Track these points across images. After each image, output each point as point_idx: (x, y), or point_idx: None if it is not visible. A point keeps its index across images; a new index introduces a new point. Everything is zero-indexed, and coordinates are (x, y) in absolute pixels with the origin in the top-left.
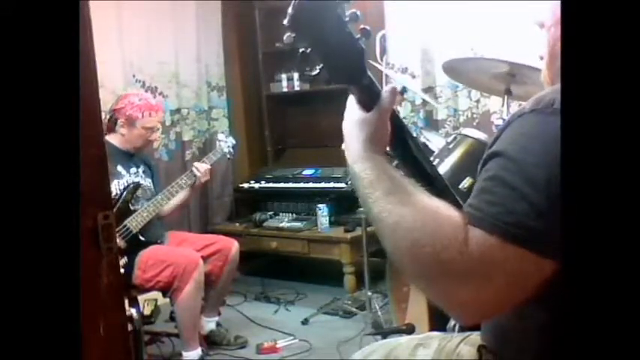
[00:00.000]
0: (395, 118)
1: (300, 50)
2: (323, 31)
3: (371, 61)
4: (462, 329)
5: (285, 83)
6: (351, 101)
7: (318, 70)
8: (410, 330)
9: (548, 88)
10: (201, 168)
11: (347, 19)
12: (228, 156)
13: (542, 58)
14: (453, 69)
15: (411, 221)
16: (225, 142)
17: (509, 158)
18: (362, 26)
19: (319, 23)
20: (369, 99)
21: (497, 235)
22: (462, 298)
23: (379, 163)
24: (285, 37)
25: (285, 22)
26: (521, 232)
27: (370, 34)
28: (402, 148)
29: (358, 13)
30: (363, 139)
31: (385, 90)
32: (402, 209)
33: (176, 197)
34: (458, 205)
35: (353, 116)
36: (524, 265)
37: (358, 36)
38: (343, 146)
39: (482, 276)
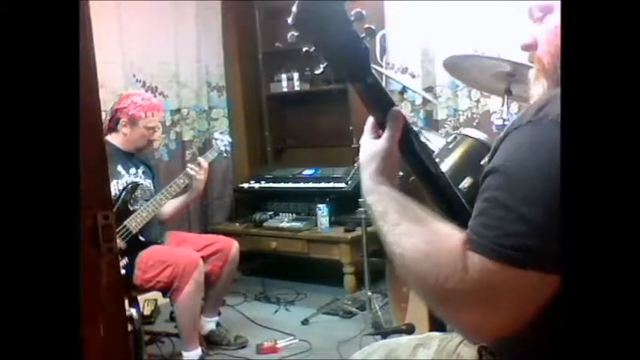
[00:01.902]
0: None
1: (304, 49)
2: (327, 30)
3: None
4: None
5: (285, 83)
6: (368, 126)
7: (322, 69)
8: (410, 330)
9: (544, 80)
10: (197, 168)
11: (352, 18)
12: (224, 154)
13: (531, 49)
14: (453, 65)
15: (413, 252)
16: (222, 141)
17: (504, 175)
18: (367, 25)
19: (324, 22)
20: (374, 98)
21: (497, 260)
22: (471, 323)
23: (386, 195)
24: (289, 36)
25: (290, 20)
26: (521, 254)
27: (375, 34)
28: (406, 146)
29: (363, 12)
30: (372, 172)
31: (390, 116)
32: (407, 241)
33: (178, 200)
34: (462, 207)
35: (366, 148)
36: (526, 285)
37: (363, 35)
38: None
39: (486, 301)
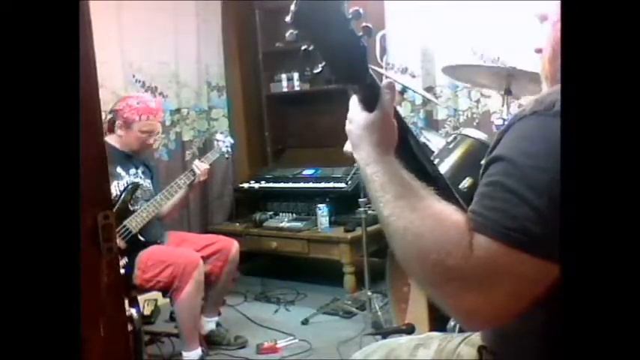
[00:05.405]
0: (397, 117)
1: (303, 48)
2: (325, 29)
3: (371, 66)
4: (463, 329)
5: (285, 83)
6: (354, 103)
7: (320, 68)
8: (410, 330)
9: (546, 84)
10: (201, 167)
11: (349, 16)
12: (226, 155)
13: (539, 51)
14: (452, 72)
15: (418, 227)
16: (224, 142)
17: (510, 163)
18: (364, 24)
19: (322, 20)
20: (372, 97)
21: (501, 241)
22: (468, 305)
23: (391, 166)
24: (287, 34)
25: (288, 18)
26: (524, 237)
27: (372, 32)
28: (402, 147)
29: (361, 11)
30: (373, 142)
31: (383, 87)
32: (410, 214)
33: (174, 197)
34: (459, 205)
35: (359, 119)
36: (528, 270)
37: (360, 34)
38: (346, 148)
39: (487, 282)
